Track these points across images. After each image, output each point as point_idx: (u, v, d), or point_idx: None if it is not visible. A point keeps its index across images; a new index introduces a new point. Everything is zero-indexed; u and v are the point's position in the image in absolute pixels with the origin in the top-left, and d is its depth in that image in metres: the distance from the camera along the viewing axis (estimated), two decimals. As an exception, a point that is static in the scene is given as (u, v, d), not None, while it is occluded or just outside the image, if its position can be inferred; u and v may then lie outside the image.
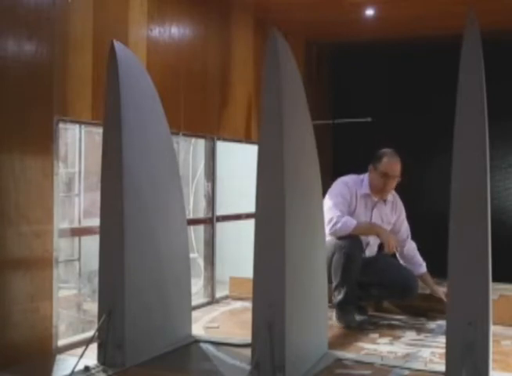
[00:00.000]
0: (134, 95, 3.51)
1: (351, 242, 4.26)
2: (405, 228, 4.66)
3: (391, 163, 4.44)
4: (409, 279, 4.43)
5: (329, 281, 4.21)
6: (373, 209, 4.52)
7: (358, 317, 4.32)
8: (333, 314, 4.32)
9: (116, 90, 3.37)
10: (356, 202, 4.48)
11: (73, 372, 3.12)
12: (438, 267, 4.34)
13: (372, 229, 4.41)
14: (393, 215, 4.62)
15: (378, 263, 4.52)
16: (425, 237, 4.80)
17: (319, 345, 3.52)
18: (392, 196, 4.61)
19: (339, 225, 4.26)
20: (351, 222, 4.28)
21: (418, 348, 3.75)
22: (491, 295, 2.84)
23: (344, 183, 4.51)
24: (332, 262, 4.25)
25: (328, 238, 4.21)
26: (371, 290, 4.53)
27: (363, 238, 4.46)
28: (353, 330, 4.16)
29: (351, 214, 4.43)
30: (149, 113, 3.69)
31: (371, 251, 4.61)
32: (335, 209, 4.33)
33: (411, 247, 4.63)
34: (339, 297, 4.27)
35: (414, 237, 4.70)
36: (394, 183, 4.49)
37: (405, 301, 4.55)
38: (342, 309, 4.27)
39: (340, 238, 4.28)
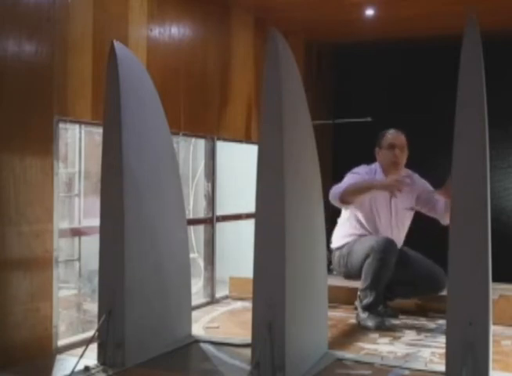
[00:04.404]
0: (134, 96, 3.51)
1: (386, 246, 4.15)
2: (432, 195, 4.42)
3: (394, 134, 4.43)
4: (436, 273, 4.32)
5: (355, 276, 4.20)
6: (391, 199, 4.36)
7: (386, 320, 4.26)
8: (357, 316, 4.31)
9: (116, 90, 3.37)
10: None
11: (73, 372, 3.12)
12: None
13: (363, 186, 4.21)
14: (412, 197, 4.47)
15: (403, 260, 4.37)
16: (425, 237, 4.80)
17: (319, 345, 3.52)
18: (408, 177, 4.42)
19: (332, 190, 4.18)
20: (342, 186, 4.15)
21: (418, 348, 3.75)
22: (491, 295, 2.84)
23: (359, 174, 4.40)
24: (364, 263, 4.20)
25: (367, 236, 4.20)
26: (396, 290, 4.45)
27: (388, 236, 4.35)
28: (373, 331, 4.13)
29: (370, 206, 4.36)
30: (149, 113, 3.69)
31: (397, 244, 4.44)
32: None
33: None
34: (366, 300, 4.23)
35: (415, 237, 4.68)
36: (403, 155, 4.40)
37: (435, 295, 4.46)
38: (370, 312, 4.23)
39: (375, 240, 4.18)
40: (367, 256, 4.20)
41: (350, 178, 4.37)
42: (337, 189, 4.21)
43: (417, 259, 4.48)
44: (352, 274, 4.43)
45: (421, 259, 4.49)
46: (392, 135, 4.43)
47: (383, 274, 4.19)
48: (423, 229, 4.63)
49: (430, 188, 4.49)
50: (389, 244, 4.20)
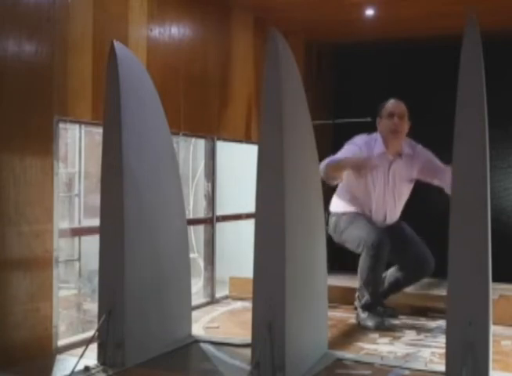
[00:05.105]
0: (134, 96, 3.51)
1: (378, 242, 4.14)
2: (437, 165, 4.38)
3: (393, 103, 4.41)
4: (425, 257, 4.34)
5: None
6: (389, 169, 4.35)
7: (386, 321, 4.26)
8: (357, 316, 4.32)
9: (116, 90, 3.37)
10: None
11: (73, 372, 3.12)
12: (438, 267, 4.36)
13: (339, 165, 4.16)
14: (412, 169, 4.41)
15: (396, 241, 4.34)
16: (426, 237, 4.80)
17: (319, 345, 3.52)
18: (411, 148, 4.42)
19: (322, 162, 4.10)
20: (327, 162, 4.10)
21: (418, 348, 3.75)
22: (491, 295, 2.84)
23: (356, 146, 4.35)
24: (356, 248, 4.22)
25: (361, 221, 4.21)
26: (391, 279, 4.45)
27: (381, 208, 4.36)
28: (374, 331, 4.13)
29: (367, 178, 4.32)
30: (149, 113, 3.69)
31: (392, 217, 4.46)
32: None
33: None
34: (364, 298, 4.24)
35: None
36: (403, 123, 4.35)
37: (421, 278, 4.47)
38: (370, 311, 4.24)
39: (367, 234, 4.18)
40: (359, 245, 4.21)
41: (344, 151, 4.32)
42: (322, 165, 4.11)
43: (410, 243, 4.43)
44: (346, 247, 4.44)
45: (413, 241, 4.44)
46: (392, 104, 4.42)
47: (377, 269, 4.19)
48: (424, 228, 4.63)
49: (435, 158, 4.42)
50: (381, 238, 4.17)
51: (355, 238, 4.26)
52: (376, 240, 4.15)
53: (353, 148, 4.34)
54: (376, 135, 4.43)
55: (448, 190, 4.25)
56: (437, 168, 4.39)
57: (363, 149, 4.33)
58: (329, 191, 4.54)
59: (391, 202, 4.44)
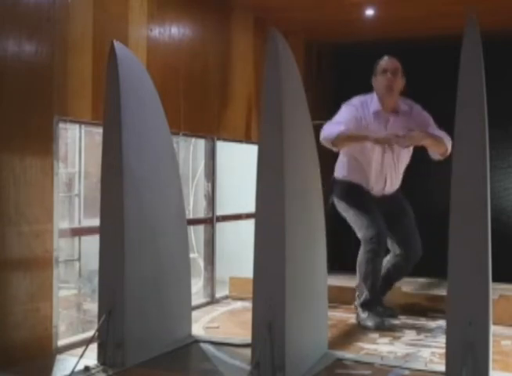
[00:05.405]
0: (134, 96, 3.52)
1: (376, 233, 4.16)
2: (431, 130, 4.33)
3: (386, 60, 4.39)
4: (412, 243, 4.39)
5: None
6: (386, 126, 4.33)
7: (386, 321, 4.26)
8: (357, 315, 4.33)
9: (116, 90, 3.37)
10: (368, 123, 4.31)
11: (73, 372, 3.12)
12: (438, 267, 4.36)
13: (359, 136, 4.18)
14: (411, 126, 4.32)
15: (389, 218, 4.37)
16: (426, 237, 4.80)
17: (319, 345, 3.52)
18: (408, 106, 4.41)
19: (325, 131, 4.15)
20: (337, 129, 4.10)
21: (418, 348, 3.75)
22: (491, 295, 2.84)
23: (353, 106, 4.35)
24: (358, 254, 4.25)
25: (361, 207, 4.22)
26: (384, 273, 4.43)
27: (382, 170, 4.35)
28: (374, 331, 4.13)
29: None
30: (149, 113, 3.69)
31: (392, 183, 4.43)
32: (331, 123, 4.23)
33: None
34: (364, 296, 4.26)
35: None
36: (397, 79, 4.34)
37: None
38: (370, 311, 4.25)
39: (365, 228, 4.19)
40: (359, 231, 4.24)
41: (343, 113, 4.31)
42: (328, 131, 4.14)
43: (399, 223, 4.43)
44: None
45: (403, 225, 4.45)
46: (385, 60, 4.40)
47: (375, 262, 4.22)
48: (424, 228, 4.63)
49: (432, 123, 4.39)
50: (380, 233, 4.20)
51: (356, 224, 4.27)
52: (375, 235, 4.17)
53: (350, 109, 4.34)
54: (372, 94, 4.42)
55: (433, 156, 4.33)
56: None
57: (359, 109, 4.34)
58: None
59: (391, 163, 4.39)
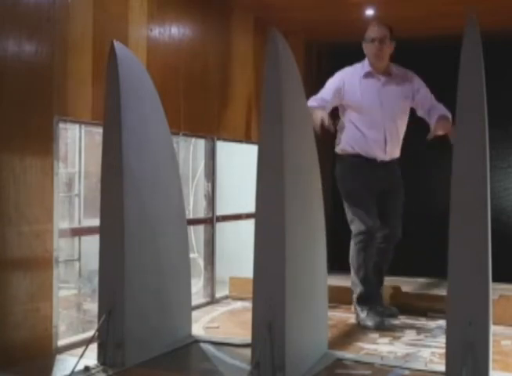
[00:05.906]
0: (134, 95, 3.52)
1: (368, 227, 4.25)
2: (428, 99, 4.46)
3: (373, 27, 4.44)
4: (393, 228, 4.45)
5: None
6: (379, 88, 4.41)
7: (386, 320, 4.28)
8: (357, 315, 4.34)
9: (116, 90, 3.37)
10: (360, 85, 4.40)
11: (73, 372, 3.12)
12: (438, 267, 4.36)
13: (313, 116, 4.16)
14: (404, 88, 4.45)
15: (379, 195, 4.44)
16: (426, 237, 4.80)
17: (319, 345, 3.52)
18: (401, 70, 4.51)
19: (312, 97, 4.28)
20: (309, 102, 4.17)
21: (418, 348, 3.75)
22: (491, 295, 2.84)
23: (338, 75, 4.47)
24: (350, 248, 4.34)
25: (358, 197, 4.30)
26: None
27: (381, 134, 4.37)
28: (374, 331, 4.14)
29: (358, 100, 4.37)
30: (149, 113, 3.69)
31: (392, 148, 4.45)
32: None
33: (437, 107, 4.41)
34: (359, 291, 4.31)
35: (416, 237, 4.64)
36: (384, 47, 4.39)
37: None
38: (369, 310, 4.26)
39: (359, 222, 4.28)
40: (351, 222, 4.33)
41: (327, 84, 4.46)
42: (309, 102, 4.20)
43: (385, 205, 4.47)
44: None
45: (391, 206, 4.49)
46: (371, 29, 4.45)
47: (366, 252, 4.28)
48: (425, 228, 4.63)
49: (427, 90, 4.49)
50: (371, 226, 4.27)
51: (350, 213, 4.35)
52: (366, 230, 4.26)
53: (333, 80, 4.46)
54: (365, 60, 4.51)
55: (431, 125, 4.34)
56: (425, 98, 4.46)
57: (348, 75, 4.44)
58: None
59: (389, 126, 4.41)
